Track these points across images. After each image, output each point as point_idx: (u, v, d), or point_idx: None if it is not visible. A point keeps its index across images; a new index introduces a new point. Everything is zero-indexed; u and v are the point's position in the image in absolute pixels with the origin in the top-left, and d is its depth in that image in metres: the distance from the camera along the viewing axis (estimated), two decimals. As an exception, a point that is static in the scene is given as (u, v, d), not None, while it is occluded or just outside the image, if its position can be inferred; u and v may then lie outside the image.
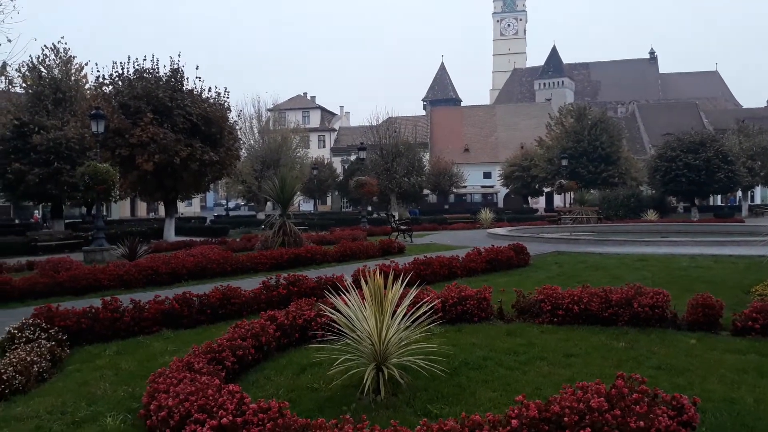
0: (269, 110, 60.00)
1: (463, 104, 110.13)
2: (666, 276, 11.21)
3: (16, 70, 33.36)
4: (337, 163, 73.89)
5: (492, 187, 71.79)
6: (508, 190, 64.11)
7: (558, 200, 58.89)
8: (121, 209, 61.82)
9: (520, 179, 57.79)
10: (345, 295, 5.57)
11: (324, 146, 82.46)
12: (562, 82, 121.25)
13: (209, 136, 26.33)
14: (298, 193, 33.91)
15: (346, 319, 5.14)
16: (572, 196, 41.55)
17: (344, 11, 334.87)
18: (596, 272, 12.01)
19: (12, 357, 5.54)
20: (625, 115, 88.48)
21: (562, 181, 39.79)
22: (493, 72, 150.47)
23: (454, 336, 6.77)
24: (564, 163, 41.07)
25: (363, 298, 5.35)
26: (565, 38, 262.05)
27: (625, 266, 12.91)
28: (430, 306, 5.66)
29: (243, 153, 39.68)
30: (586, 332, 6.90)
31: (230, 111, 29.58)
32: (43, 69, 36.84)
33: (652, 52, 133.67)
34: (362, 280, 5.38)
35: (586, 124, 48.06)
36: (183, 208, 65.98)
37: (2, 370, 5.17)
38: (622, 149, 49.35)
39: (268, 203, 53.65)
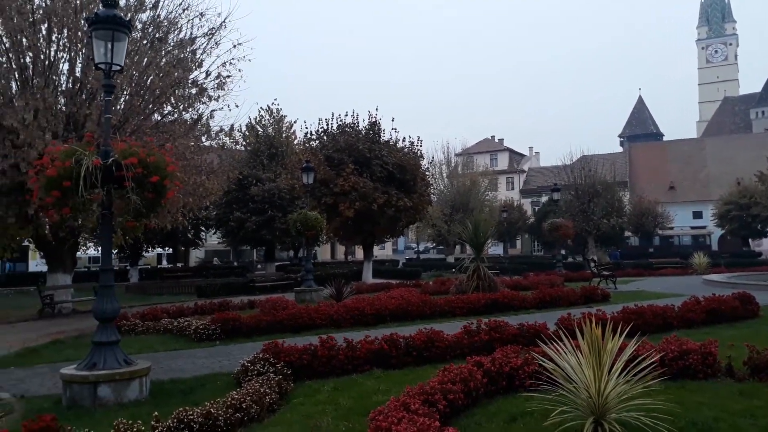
0: (457, 155, 61.23)
1: (665, 139, 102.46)
2: None
3: (239, 130, 38.27)
4: (527, 205, 72.57)
5: (703, 228, 65.14)
6: (723, 232, 57.61)
7: (787, 242, 51.63)
8: (322, 252, 66.67)
9: (738, 219, 51.66)
10: (550, 343, 5.47)
11: (512, 188, 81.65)
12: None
13: (403, 183, 27.62)
14: (489, 236, 33.76)
15: (561, 370, 5.00)
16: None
17: (529, 52, 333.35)
18: None
19: (248, 388, 6.17)
20: None
21: (792, 220, 34.89)
22: (699, 103, 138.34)
23: (677, 393, 6.20)
24: (793, 199, 36.06)
25: (576, 347, 5.20)
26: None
27: None
28: (651, 361, 5.30)
29: (433, 198, 40.77)
30: (843, 396, 5.90)
31: (422, 158, 30.83)
32: (259, 128, 41.78)
33: None
34: (576, 329, 5.22)
35: (819, 155, 41.89)
36: (376, 251, 69.07)
37: (241, 400, 5.76)
38: None
39: (457, 246, 54.24)
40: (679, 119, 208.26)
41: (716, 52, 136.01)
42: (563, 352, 5.24)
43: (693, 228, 66.70)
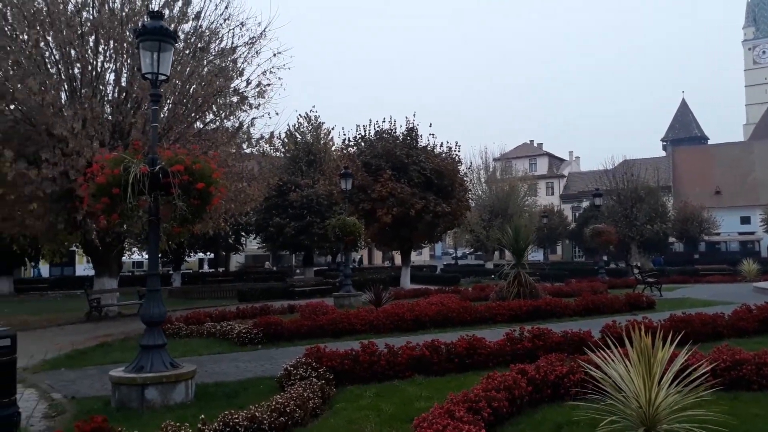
0: (495, 160, 60.72)
1: (710, 142, 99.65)
2: None
3: (278, 137, 38.77)
4: (567, 211, 71.46)
5: (752, 233, 63.05)
6: (773, 237, 55.79)
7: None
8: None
9: (788, 224, 49.99)
10: (597, 351, 5.36)
11: (552, 193, 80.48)
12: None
13: (441, 189, 27.52)
14: (529, 242, 33.34)
15: (609, 378, 4.88)
16: None
17: (570, 55, 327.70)
18: None
19: (292, 392, 6.21)
20: None
21: None
22: (746, 105, 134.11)
23: (730, 404, 6.00)
24: None
25: (624, 355, 5.09)
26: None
27: None
28: (703, 371, 5.14)
29: (471, 203, 40.50)
30: None
31: (460, 164, 30.66)
32: (298, 135, 42.23)
33: None
34: (624, 337, 5.09)
35: None
36: (414, 257, 68.90)
37: (285, 404, 5.79)
38: None
39: (496, 252, 53.69)
40: (725, 122, 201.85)
41: (764, 52, 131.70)
42: (611, 361, 5.13)
43: (741, 234, 64.62)
